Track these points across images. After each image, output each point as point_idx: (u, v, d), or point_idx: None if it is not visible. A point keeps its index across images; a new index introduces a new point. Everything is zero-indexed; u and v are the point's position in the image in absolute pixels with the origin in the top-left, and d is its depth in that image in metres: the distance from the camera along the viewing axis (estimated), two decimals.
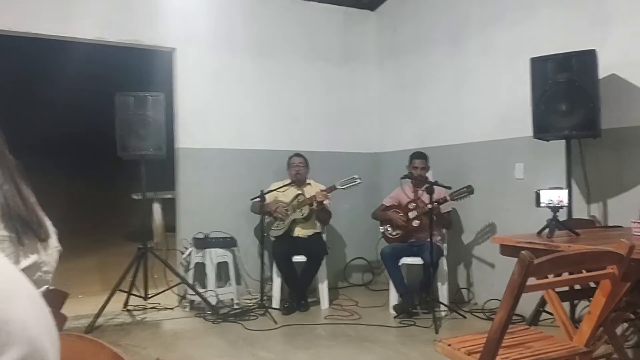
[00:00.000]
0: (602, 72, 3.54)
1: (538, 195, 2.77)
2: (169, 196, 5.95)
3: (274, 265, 4.72)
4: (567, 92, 3.51)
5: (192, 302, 4.67)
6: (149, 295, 4.54)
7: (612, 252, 1.92)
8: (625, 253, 1.91)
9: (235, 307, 4.64)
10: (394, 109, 5.70)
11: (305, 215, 4.70)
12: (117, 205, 8.82)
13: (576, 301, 3.42)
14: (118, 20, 4.68)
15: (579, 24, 3.87)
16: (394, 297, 4.49)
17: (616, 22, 3.66)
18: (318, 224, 4.90)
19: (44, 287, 1.14)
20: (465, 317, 4.29)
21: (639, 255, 2.08)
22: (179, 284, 4.65)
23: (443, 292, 4.50)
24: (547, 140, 3.81)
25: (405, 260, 4.50)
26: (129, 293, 4.50)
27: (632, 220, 2.80)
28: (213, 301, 4.51)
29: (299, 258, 4.68)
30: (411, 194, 4.69)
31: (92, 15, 4.58)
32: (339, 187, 4.62)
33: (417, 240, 4.54)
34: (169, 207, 5.84)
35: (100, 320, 4.17)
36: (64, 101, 8.14)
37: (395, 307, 4.42)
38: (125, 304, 4.58)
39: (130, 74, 5.92)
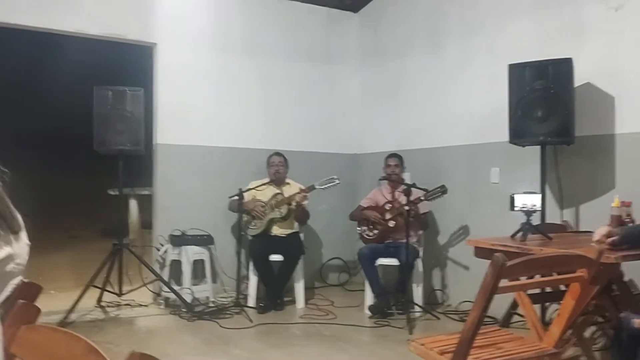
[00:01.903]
0: (578, 81, 3.63)
1: (512, 200, 2.82)
2: (146, 192, 5.89)
3: (251, 264, 4.72)
4: (543, 99, 3.58)
5: (167, 299, 4.63)
6: (124, 292, 4.50)
7: (582, 256, 1.97)
8: (595, 257, 1.96)
9: (211, 305, 4.61)
10: (374, 110, 5.74)
11: (283, 214, 4.71)
12: (93, 201, 8.69)
13: (547, 304, 3.50)
14: (99, 13, 4.63)
15: (556, 32, 3.95)
16: (369, 298, 4.52)
17: (592, 32, 3.74)
18: (296, 224, 4.90)
19: (18, 279, 1.13)
20: (439, 319, 4.34)
21: (608, 259, 2.14)
22: (154, 280, 4.62)
23: (418, 293, 4.55)
24: (523, 146, 3.89)
25: (382, 261, 4.54)
26: (103, 289, 4.44)
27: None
28: (188, 299, 4.48)
29: (276, 257, 4.68)
30: (388, 195, 4.73)
31: (72, 7, 4.52)
32: (317, 187, 4.63)
33: (394, 242, 4.58)
34: (146, 204, 5.78)
35: (73, 316, 4.12)
36: (40, 94, 8.02)
37: (370, 308, 4.45)
38: (99, 300, 4.53)
39: (110, 68, 5.85)
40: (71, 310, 4.09)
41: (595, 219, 3.36)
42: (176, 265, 4.69)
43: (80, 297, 4.15)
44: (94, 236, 8.23)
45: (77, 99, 5.09)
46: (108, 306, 4.54)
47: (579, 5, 3.82)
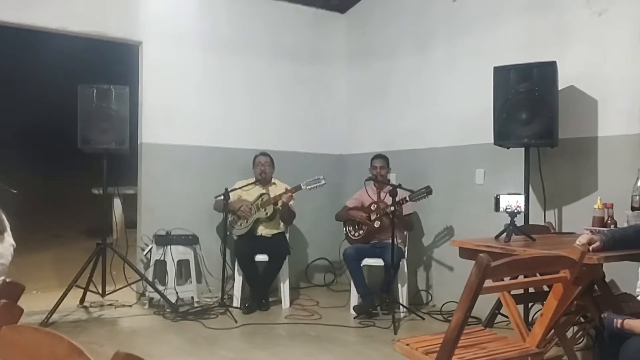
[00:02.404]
0: (562, 84, 3.67)
1: (497, 200, 2.84)
2: (131, 192, 5.85)
3: (236, 264, 4.70)
4: (527, 101, 3.62)
5: (151, 299, 4.60)
6: (107, 292, 4.46)
7: (565, 257, 2.00)
8: (577, 258, 1.99)
9: (195, 305, 4.60)
10: (360, 111, 5.76)
11: (269, 214, 4.70)
12: (77, 200, 8.62)
13: (530, 304, 3.53)
14: (84, 10, 4.58)
15: (541, 36, 3.99)
16: (354, 298, 4.54)
17: (576, 36, 3.79)
18: (282, 224, 4.89)
19: (1, 279, 1.12)
20: (423, 319, 4.37)
21: (590, 260, 2.17)
22: (138, 280, 4.59)
23: (403, 293, 4.57)
24: (507, 148, 3.92)
25: (367, 261, 4.55)
26: (86, 289, 4.41)
27: (585, 227, 2.91)
28: (173, 299, 4.46)
29: (262, 257, 4.67)
30: (374, 195, 4.74)
31: (57, 4, 4.48)
32: (304, 187, 4.63)
33: (379, 242, 4.60)
34: (131, 203, 5.74)
35: (55, 316, 4.07)
36: (23, 92, 7.91)
37: (355, 308, 4.46)
38: (82, 300, 4.49)
39: (96, 66, 5.81)
40: (54, 310, 4.04)
41: (578, 221, 3.41)
42: (161, 265, 4.66)
43: (63, 297, 4.11)
44: (77, 236, 8.15)
45: (62, 97, 5.04)
46: (91, 306, 4.50)
47: (564, 9, 3.87)
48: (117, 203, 6.68)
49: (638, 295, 2.05)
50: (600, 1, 3.65)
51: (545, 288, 2.52)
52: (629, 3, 3.51)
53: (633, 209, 2.94)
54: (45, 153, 9.20)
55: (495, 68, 3.77)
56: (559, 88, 3.63)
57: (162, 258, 4.60)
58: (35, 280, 5.16)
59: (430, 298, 4.87)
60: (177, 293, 4.55)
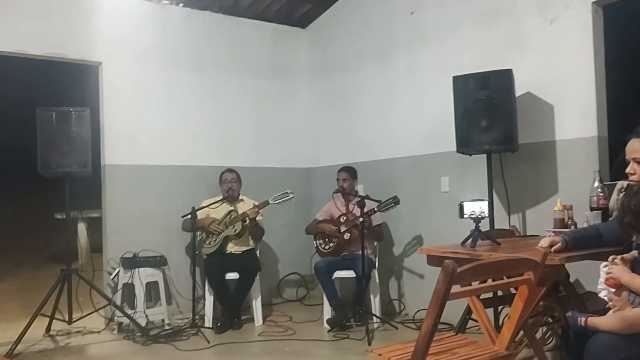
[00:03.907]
0: (519, 90, 3.78)
1: (461, 207, 2.89)
2: (95, 215, 5.73)
3: (207, 283, 4.65)
4: (486, 108, 3.71)
5: (120, 324, 4.50)
6: (74, 319, 4.34)
7: (528, 259, 2.04)
8: (540, 260, 2.03)
9: (166, 327, 4.51)
10: (326, 124, 5.79)
11: (237, 231, 4.66)
12: (39, 226, 8.39)
13: (500, 307, 3.58)
14: (39, 32, 4.50)
15: (496, 45, 4.10)
16: (327, 311, 4.53)
17: (530, 44, 3.91)
18: (251, 240, 4.86)
19: None
20: (397, 328, 4.38)
21: (553, 261, 2.22)
22: (106, 305, 4.48)
23: (375, 304, 4.58)
24: (470, 155, 4.00)
25: (339, 273, 4.56)
26: (52, 317, 4.28)
27: (547, 230, 2.98)
28: (142, 322, 4.36)
29: (232, 275, 4.62)
30: (342, 207, 4.76)
31: (10, 26, 4.39)
32: (271, 202, 4.62)
33: (350, 254, 4.61)
34: (96, 227, 5.61)
35: (20, 347, 3.93)
36: None
37: (329, 321, 4.45)
38: (48, 329, 4.35)
39: (54, 89, 5.69)
40: (19, 340, 3.90)
41: (541, 223, 3.50)
42: (129, 288, 4.56)
43: (28, 326, 3.97)
44: (41, 262, 7.93)
45: (20, 122, 4.92)
46: (58, 335, 4.37)
47: (517, 18, 3.99)
48: (81, 227, 6.53)
49: (599, 293, 2.10)
50: (552, 10, 3.78)
51: (513, 291, 2.56)
52: (578, 11, 3.64)
53: (592, 209, 3.03)
54: (3, 179, 8.92)
55: (454, 77, 3.85)
56: (516, 95, 3.74)
57: (130, 281, 4.51)
58: None
59: (402, 307, 4.90)
60: (146, 316, 4.45)
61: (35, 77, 5.86)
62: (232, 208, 4.78)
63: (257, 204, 4.66)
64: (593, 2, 3.58)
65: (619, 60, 3.85)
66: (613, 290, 2.01)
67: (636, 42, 4.13)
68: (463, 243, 2.80)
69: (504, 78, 3.68)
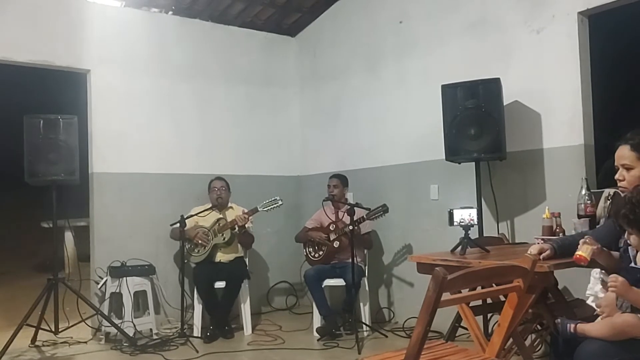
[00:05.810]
0: (507, 99, 3.82)
1: (451, 215, 2.90)
2: (83, 224, 5.66)
3: (195, 292, 4.61)
4: (475, 117, 3.73)
5: (107, 334, 4.44)
6: (60, 329, 4.28)
7: (518, 267, 2.05)
8: (529, 267, 2.04)
9: (155, 337, 4.47)
10: (315, 132, 5.80)
11: (227, 239, 4.64)
12: (25, 235, 8.29)
13: (490, 315, 3.59)
14: (27, 39, 4.47)
15: (484, 54, 4.14)
16: (317, 320, 4.51)
17: (517, 53, 3.95)
18: (240, 248, 4.84)
19: None
20: (386, 336, 4.38)
21: (542, 268, 2.23)
22: (93, 315, 4.43)
23: (365, 312, 4.58)
24: (459, 163, 4.02)
25: (328, 282, 4.55)
26: (38, 328, 4.22)
27: (535, 237, 3.00)
28: (130, 332, 4.31)
29: (221, 284, 4.59)
30: (332, 215, 4.76)
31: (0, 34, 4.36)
32: (260, 209, 4.61)
33: (339, 262, 4.60)
34: (83, 236, 5.55)
35: (5, 358, 3.88)
36: None
37: (318, 330, 4.43)
38: (34, 339, 4.29)
39: (42, 96, 5.65)
40: (4, 351, 3.85)
41: (529, 231, 3.51)
42: (116, 297, 4.51)
43: (13, 337, 3.92)
44: (27, 272, 7.83)
45: (7, 129, 4.87)
46: (44, 345, 4.30)
47: (504, 28, 4.04)
48: (68, 236, 6.44)
49: (587, 299, 2.12)
50: (538, 20, 3.82)
51: (502, 298, 2.57)
52: (563, 21, 3.69)
53: (579, 216, 3.06)
54: None
55: (443, 86, 3.88)
56: (504, 103, 3.77)
57: (117, 290, 4.46)
58: None
59: (392, 315, 4.89)
60: (134, 326, 4.40)
61: (23, 85, 5.82)
62: (220, 216, 4.76)
63: (246, 211, 4.65)
64: (579, 12, 3.63)
65: (604, 69, 3.91)
66: (601, 296, 2.02)
67: (621, 51, 4.20)
68: (453, 250, 2.81)
69: (492, 87, 3.71)
